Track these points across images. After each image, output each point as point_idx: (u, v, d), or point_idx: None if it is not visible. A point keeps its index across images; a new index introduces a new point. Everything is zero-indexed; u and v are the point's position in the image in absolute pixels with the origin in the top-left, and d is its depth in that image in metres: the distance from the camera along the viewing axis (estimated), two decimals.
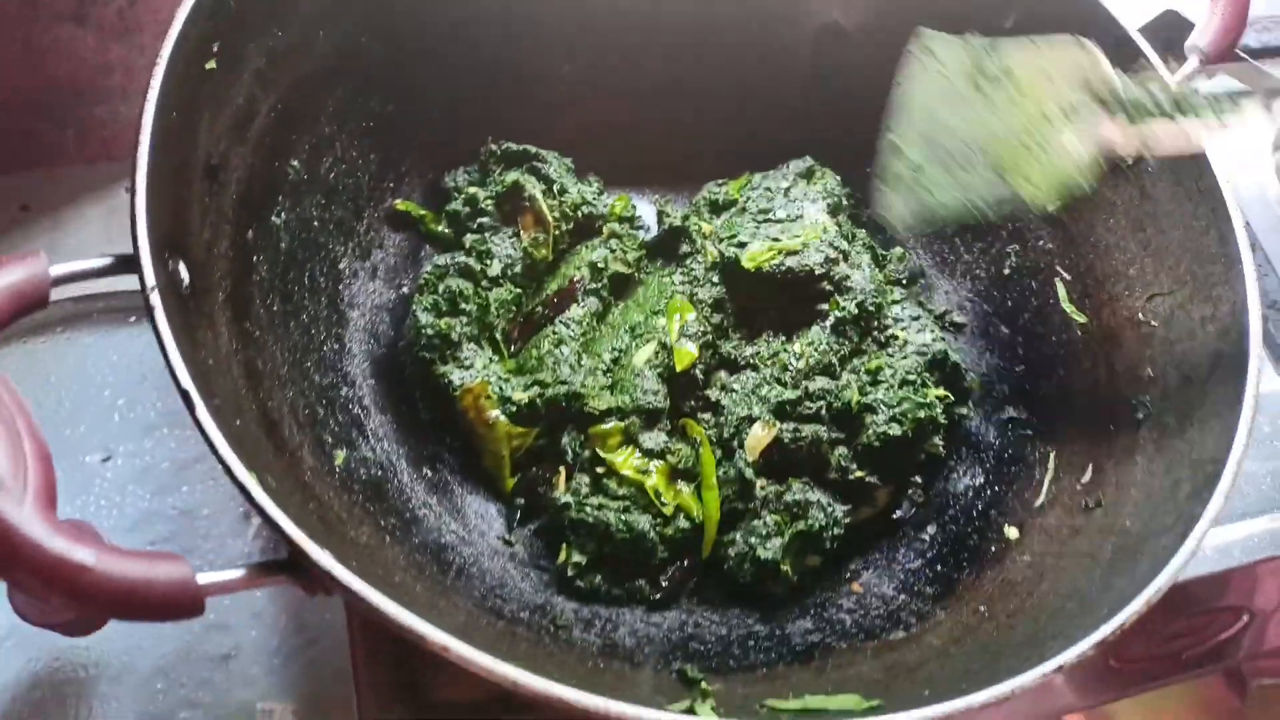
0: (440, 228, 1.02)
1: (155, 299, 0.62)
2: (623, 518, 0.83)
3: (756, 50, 1.10)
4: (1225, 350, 0.80)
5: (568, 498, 0.86)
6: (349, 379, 0.89)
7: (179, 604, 0.52)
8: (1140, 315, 0.90)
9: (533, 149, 1.03)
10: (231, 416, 0.69)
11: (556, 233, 1.00)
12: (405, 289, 1.00)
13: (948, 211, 0.80)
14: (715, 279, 0.97)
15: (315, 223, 0.92)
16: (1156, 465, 0.80)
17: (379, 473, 0.85)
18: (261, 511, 0.56)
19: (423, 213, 1.02)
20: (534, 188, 0.99)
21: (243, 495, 0.57)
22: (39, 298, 0.60)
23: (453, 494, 0.89)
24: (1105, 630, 0.62)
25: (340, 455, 0.82)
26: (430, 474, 0.89)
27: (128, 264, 0.65)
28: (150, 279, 0.63)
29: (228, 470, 0.58)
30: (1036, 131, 0.78)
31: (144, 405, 1.00)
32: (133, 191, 0.66)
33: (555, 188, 1.02)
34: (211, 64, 0.77)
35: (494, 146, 1.04)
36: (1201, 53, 0.93)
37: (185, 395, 0.60)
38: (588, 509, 0.84)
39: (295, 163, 0.89)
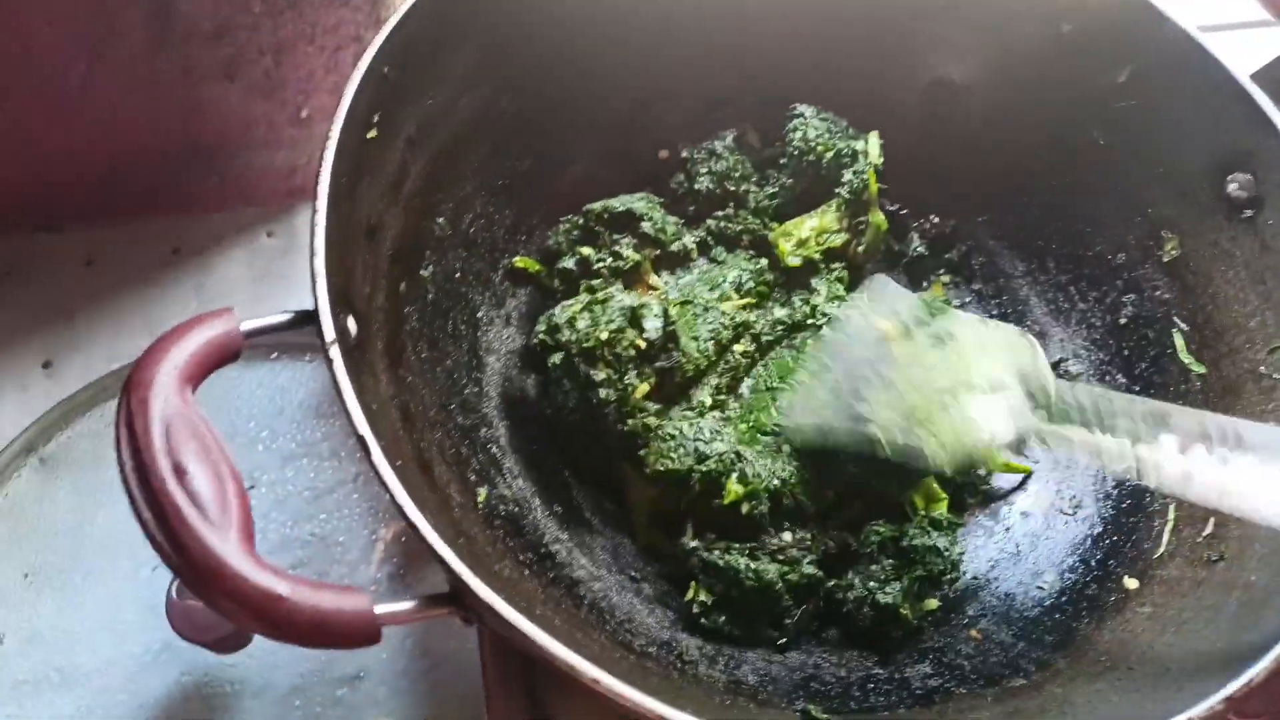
0: (555, 283, 1.05)
1: (334, 352, 0.69)
2: (752, 565, 0.86)
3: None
4: None
5: (695, 543, 0.89)
6: (487, 420, 0.95)
7: (359, 633, 0.58)
8: (1262, 368, 0.90)
9: (636, 208, 1.04)
10: (394, 458, 0.75)
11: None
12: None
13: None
14: None
15: (457, 274, 0.98)
16: None
17: (515, 509, 0.90)
18: (431, 549, 0.62)
19: (539, 268, 1.06)
20: (649, 263, 1.03)
21: (413, 533, 0.62)
22: (233, 351, 0.67)
23: (582, 531, 0.94)
24: (1233, 686, 0.63)
25: (482, 493, 0.87)
26: (560, 510, 0.94)
27: (308, 318, 0.72)
28: (329, 333, 0.69)
29: (400, 510, 0.64)
30: (958, 396, 0.79)
31: (285, 437, 1.07)
32: (311, 253, 0.72)
33: (665, 240, 1.05)
34: (372, 133, 0.84)
35: (595, 206, 1.05)
36: None
37: (362, 440, 0.66)
38: (716, 553, 0.87)
39: (440, 220, 0.96)
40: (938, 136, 1.13)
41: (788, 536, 0.90)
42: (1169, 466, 0.69)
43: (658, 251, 1.05)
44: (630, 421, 0.91)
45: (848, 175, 1.07)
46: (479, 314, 1.00)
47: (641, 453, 0.91)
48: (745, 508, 0.88)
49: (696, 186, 1.10)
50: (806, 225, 1.09)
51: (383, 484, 0.64)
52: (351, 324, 0.77)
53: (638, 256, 1.03)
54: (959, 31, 1.08)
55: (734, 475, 0.89)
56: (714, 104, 1.13)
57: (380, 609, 0.59)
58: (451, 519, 0.79)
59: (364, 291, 0.83)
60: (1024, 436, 0.76)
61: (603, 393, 0.91)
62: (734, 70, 1.11)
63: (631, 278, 1.03)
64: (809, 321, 1.04)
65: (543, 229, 1.08)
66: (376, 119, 0.84)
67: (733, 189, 1.10)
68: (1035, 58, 1.04)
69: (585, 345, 0.91)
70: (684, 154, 1.11)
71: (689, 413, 0.95)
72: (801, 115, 1.09)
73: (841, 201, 1.08)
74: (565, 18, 1.01)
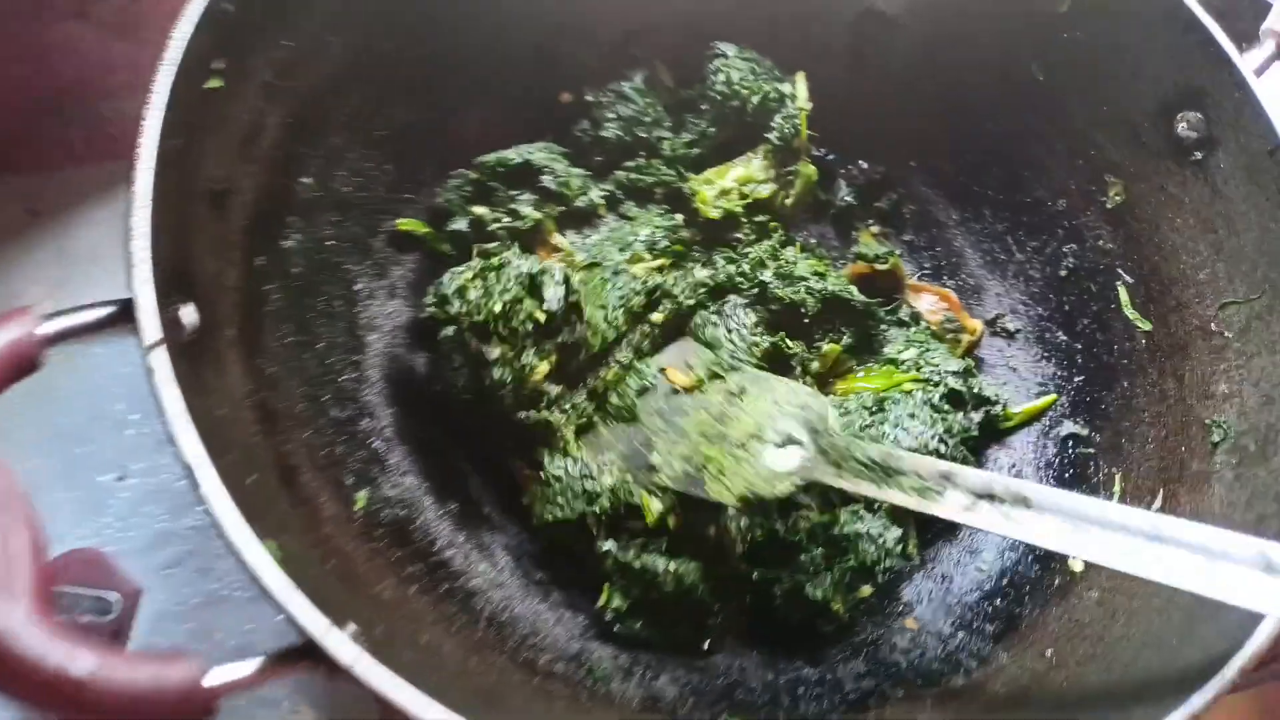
0: (446, 247, 0.94)
1: (156, 358, 0.57)
2: (671, 566, 0.78)
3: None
4: None
5: (610, 545, 0.80)
6: (368, 410, 0.85)
7: (188, 710, 0.48)
8: (1213, 325, 0.84)
9: (535, 160, 0.94)
10: (244, 473, 0.64)
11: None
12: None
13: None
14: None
15: (330, 242, 0.86)
16: (1237, 496, 0.74)
17: (402, 512, 0.80)
18: (274, 601, 0.52)
19: (426, 230, 0.94)
20: (551, 222, 0.93)
21: (253, 582, 0.52)
22: (28, 362, 0.55)
23: (481, 529, 0.85)
24: (1197, 703, 0.57)
25: (361, 498, 0.77)
26: (456, 507, 0.84)
27: (128, 312, 0.60)
28: (150, 335, 0.58)
29: (235, 554, 0.54)
30: (749, 447, 0.81)
31: (158, 419, 0.96)
32: (127, 234, 0.60)
33: (569, 196, 0.95)
34: (215, 82, 0.71)
35: (489, 158, 0.94)
36: (1277, 35, 0.86)
37: (188, 469, 0.55)
38: (632, 553, 0.79)
39: (306, 179, 0.84)
40: (867, 75, 1.03)
41: (711, 530, 0.82)
42: (954, 517, 0.71)
43: (561, 209, 0.94)
44: (529, 414, 0.82)
45: (776, 120, 0.97)
46: (356, 287, 0.89)
47: (525, 501, 0.84)
48: (671, 521, 0.81)
49: (603, 134, 0.98)
50: (730, 174, 0.99)
51: (214, 521, 0.53)
52: (190, 313, 0.65)
53: (538, 215, 0.92)
54: None
55: (647, 493, 0.80)
56: (623, 39, 1.01)
57: (214, 678, 0.49)
58: (319, 536, 0.69)
59: (209, 270, 0.71)
60: (811, 485, 0.80)
61: (497, 373, 0.80)
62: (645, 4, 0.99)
63: (531, 239, 0.92)
64: (738, 284, 0.94)
65: (431, 185, 0.95)
66: (221, 66, 0.71)
67: (644, 135, 0.98)
68: None
69: (477, 319, 0.81)
70: (589, 97, 0.99)
71: (571, 452, 0.85)
72: (723, 55, 0.98)
73: (769, 149, 0.98)
74: None
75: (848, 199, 1.04)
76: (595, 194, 0.96)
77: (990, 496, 0.70)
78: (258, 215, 0.77)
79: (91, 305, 0.60)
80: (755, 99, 0.96)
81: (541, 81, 0.99)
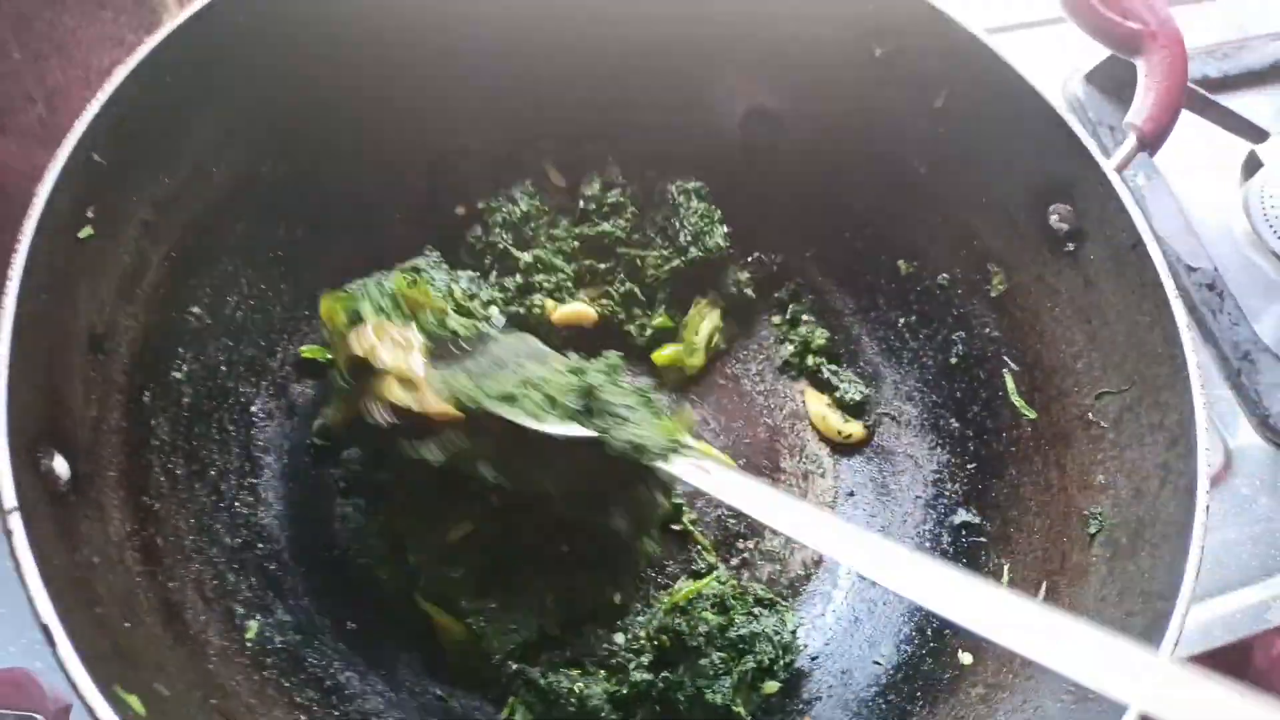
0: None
1: (14, 522, 0.58)
2: (576, 687, 0.79)
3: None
4: (1174, 464, 0.76)
5: (516, 664, 0.81)
6: (264, 534, 0.85)
7: None
8: (1090, 414, 0.86)
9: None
10: (119, 621, 0.65)
11: None
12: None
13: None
14: None
15: (223, 368, 0.87)
16: (1109, 590, 0.76)
17: (297, 638, 0.80)
18: None
19: (330, 356, 0.92)
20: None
21: None
22: None
23: (381, 648, 0.85)
24: None
25: (253, 627, 0.78)
26: (356, 627, 0.85)
27: None
28: (9, 500, 0.58)
29: (91, 714, 0.54)
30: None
31: None
32: None
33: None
34: (86, 231, 0.72)
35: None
36: (1138, 129, 0.89)
37: (46, 630, 0.56)
38: (538, 670, 0.80)
39: (195, 309, 0.85)
40: (759, 168, 1.06)
41: (620, 639, 0.83)
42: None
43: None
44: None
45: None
46: (253, 408, 0.90)
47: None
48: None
49: (492, 239, 1.00)
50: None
51: (71, 684, 0.54)
52: (61, 465, 0.66)
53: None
54: (771, 58, 1.00)
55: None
56: (514, 148, 1.03)
57: None
58: (202, 673, 0.69)
59: (87, 416, 0.71)
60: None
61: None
62: (531, 113, 1.01)
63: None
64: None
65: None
66: (91, 214, 0.73)
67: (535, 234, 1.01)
68: (849, 83, 0.97)
69: None
70: (480, 204, 1.01)
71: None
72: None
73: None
74: (321, 69, 0.89)
75: (748, 291, 1.06)
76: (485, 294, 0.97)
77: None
78: (143, 352, 0.78)
79: None
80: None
81: (436, 195, 1.01)
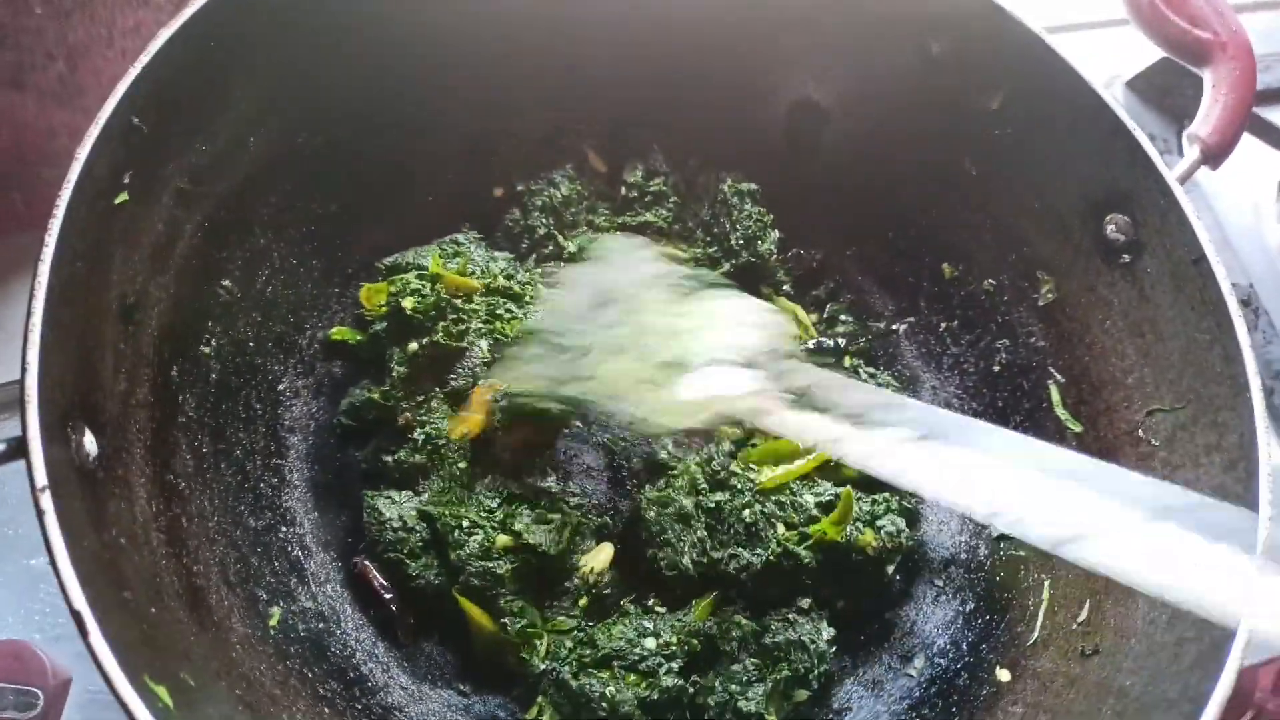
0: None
1: (45, 501, 0.56)
2: (608, 691, 0.76)
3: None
4: (1231, 487, 0.74)
5: (547, 663, 0.79)
6: (288, 516, 0.83)
7: None
8: (1140, 431, 0.83)
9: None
10: (146, 605, 0.63)
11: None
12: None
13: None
14: None
15: (251, 344, 0.85)
16: (1159, 615, 0.74)
17: (320, 625, 0.78)
18: None
19: (359, 337, 0.92)
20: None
21: None
22: None
23: (405, 635, 0.82)
24: None
25: (276, 614, 0.76)
26: (379, 614, 0.82)
27: (19, 450, 0.58)
28: (40, 477, 0.56)
29: (123, 707, 0.52)
30: (671, 375, 0.78)
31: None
32: (23, 368, 0.59)
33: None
34: (122, 197, 0.70)
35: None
36: (1203, 143, 0.87)
37: (78, 616, 0.54)
38: (568, 670, 0.77)
39: (226, 283, 0.83)
40: (802, 162, 1.03)
41: (651, 644, 0.80)
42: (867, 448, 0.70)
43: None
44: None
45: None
46: (280, 386, 0.87)
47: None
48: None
49: (530, 222, 0.97)
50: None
51: (102, 673, 0.52)
52: (91, 442, 0.64)
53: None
54: (821, 49, 0.98)
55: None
56: (554, 133, 1.00)
57: None
58: (226, 660, 0.67)
59: (117, 389, 0.69)
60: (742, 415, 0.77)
61: None
62: (575, 96, 0.99)
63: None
64: None
65: (360, 278, 0.94)
66: (128, 179, 0.70)
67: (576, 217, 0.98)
68: (903, 80, 0.95)
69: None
70: (519, 187, 0.99)
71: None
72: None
73: None
74: (365, 41, 0.87)
75: (786, 288, 1.03)
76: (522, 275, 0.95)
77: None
78: (173, 325, 0.76)
79: None
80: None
81: (474, 176, 0.98)
